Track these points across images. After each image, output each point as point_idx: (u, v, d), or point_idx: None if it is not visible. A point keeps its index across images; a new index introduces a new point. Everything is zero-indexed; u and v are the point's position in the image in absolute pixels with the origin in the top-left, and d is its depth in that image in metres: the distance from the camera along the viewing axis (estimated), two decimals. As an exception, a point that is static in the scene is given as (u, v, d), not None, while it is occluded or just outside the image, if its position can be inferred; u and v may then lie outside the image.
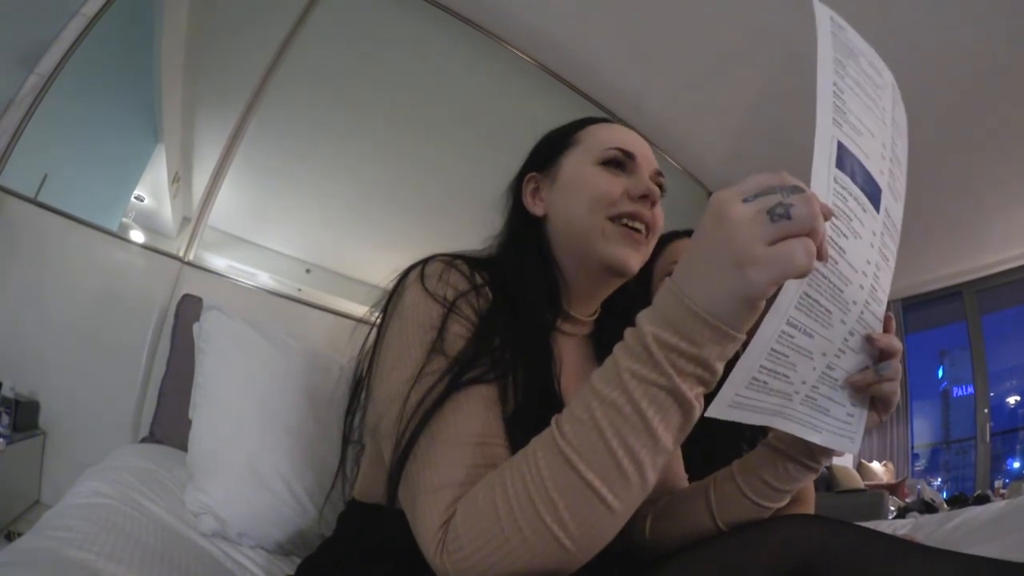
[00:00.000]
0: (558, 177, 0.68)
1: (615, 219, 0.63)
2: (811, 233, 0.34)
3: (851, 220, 0.41)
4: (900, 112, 0.52)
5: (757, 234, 0.34)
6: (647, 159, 0.67)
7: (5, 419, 1.05)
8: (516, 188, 0.72)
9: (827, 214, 0.36)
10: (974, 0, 1.82)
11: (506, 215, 0.72)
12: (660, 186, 0.66)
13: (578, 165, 0.66)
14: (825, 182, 0.39)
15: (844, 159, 0.41)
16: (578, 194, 0.64)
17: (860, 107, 0.44)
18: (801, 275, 0.34)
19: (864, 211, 0.42)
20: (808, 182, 0.37)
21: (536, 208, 0.69)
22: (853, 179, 0.41)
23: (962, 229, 3.16)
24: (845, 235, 0.40)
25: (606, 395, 0.37)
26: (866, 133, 0.44)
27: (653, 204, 0.64)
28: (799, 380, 0.42)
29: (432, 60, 2.16)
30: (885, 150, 0.46)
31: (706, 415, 0.38)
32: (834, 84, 0.41)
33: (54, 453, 1.19)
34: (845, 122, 0.41)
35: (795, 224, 0.33)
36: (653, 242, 0.66)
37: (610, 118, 0.75)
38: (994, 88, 2.13)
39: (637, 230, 0.63)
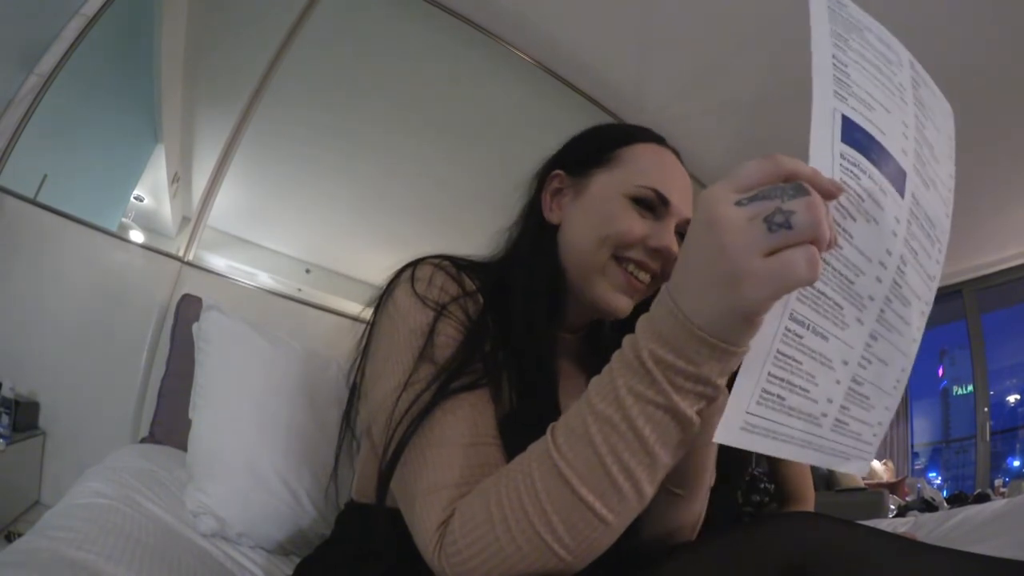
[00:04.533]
0: (584, 193, 0.64)
1: (621, 260, 0.60)
2: (815, 240, 0.30)
3: (863, 200, 0.36)
4: (929, 94, 0.47)
5: (752, 244, 0.31)
6: (682, 204, 0.62)
7: (5, 419, 1.05)
8: (540, 180, 0.68)
9: (834, 193, 0.33)
10: (973, 1, 1.82)
11: (524, 206, 0.69)
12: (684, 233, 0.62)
13: (608, 191, 0.62)
14: (828, 156, 0.35)
15: (854, 134, 0.36)
16: (595, 223, 0.60)
17: (869, 81, 0.39)
18: (804, 286, 0.31)
19: (884, 193, 0.38)
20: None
21: (552, 215, 0.66)
22: (867, 156, 0.37)
23: (962, 227, 3.15)
24: (853, 217, 0.35)
25: (601, 410, 0.36)
26: (879, 108, 0.39)
27: (666, 260, 0.60)
28: (823, 397, 0.37)
29: (431, 60, 2.16)
30: (908, 129, 0.42)
31: (715, 440, 0.34)
32: (834, 57, 0.38)
33: (54, 453, 1.19)
34: (850, 95, 0.38)
35: (796, 234, 0.30)
36: (659, 284, 0.64)
37: (659, 137, 0.68)
38: (994, 86, 2.13)
39: (640, 280, 0.60)
